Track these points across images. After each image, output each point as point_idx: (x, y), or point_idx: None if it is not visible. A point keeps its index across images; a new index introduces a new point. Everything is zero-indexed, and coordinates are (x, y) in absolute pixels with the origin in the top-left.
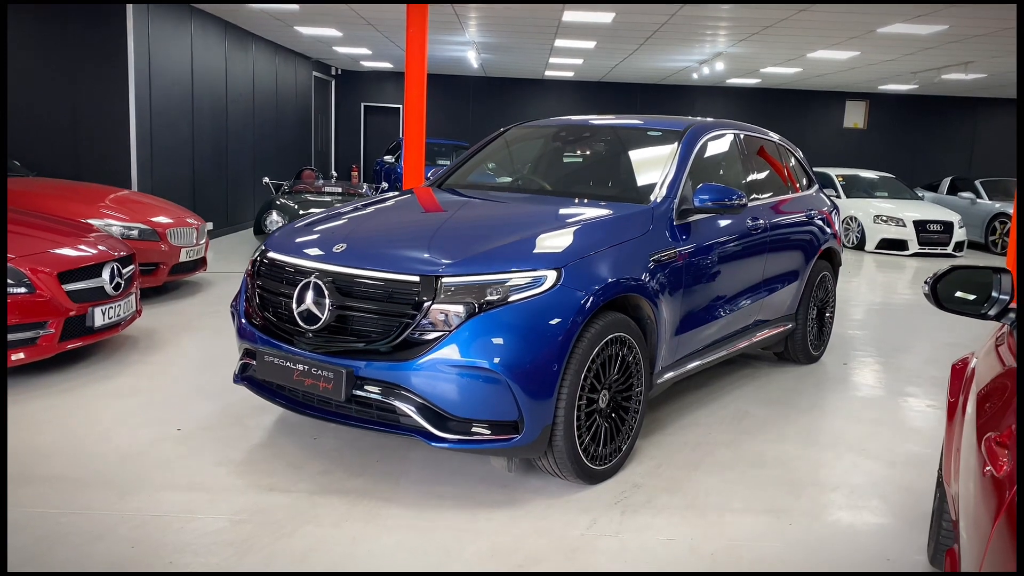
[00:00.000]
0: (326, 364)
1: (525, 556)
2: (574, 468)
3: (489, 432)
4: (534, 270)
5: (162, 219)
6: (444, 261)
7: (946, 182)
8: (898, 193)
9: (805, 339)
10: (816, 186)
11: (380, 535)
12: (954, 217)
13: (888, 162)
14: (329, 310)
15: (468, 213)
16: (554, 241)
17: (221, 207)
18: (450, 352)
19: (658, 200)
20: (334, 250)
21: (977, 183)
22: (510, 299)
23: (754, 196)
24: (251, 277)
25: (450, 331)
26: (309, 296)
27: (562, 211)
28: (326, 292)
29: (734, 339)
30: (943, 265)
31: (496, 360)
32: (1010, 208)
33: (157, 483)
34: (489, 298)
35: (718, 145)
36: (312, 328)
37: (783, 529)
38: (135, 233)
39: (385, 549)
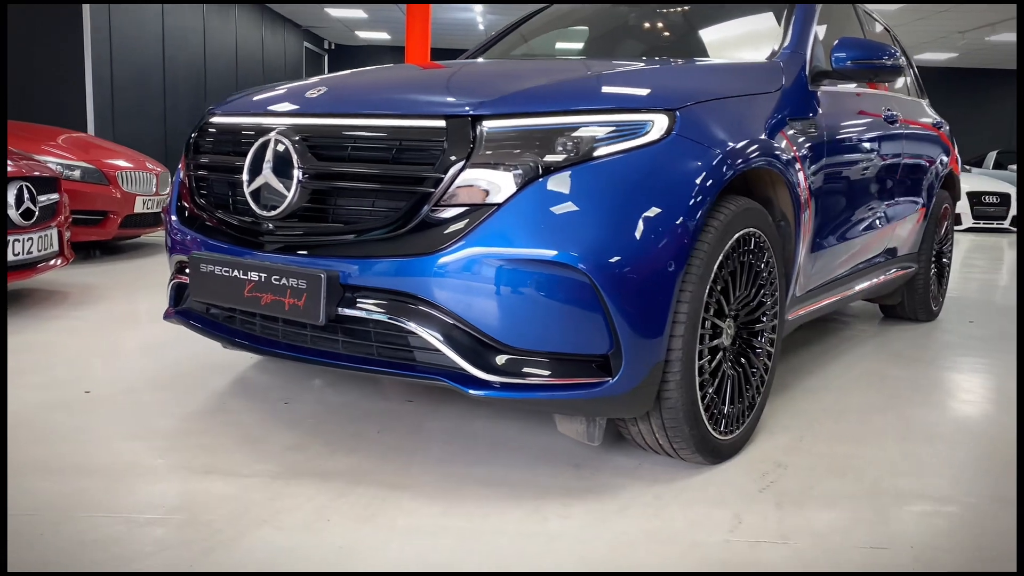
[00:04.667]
0: (294, 269)
1: None
2: (693, 436)
3: (562, 374)
4: (634, 111)
5: (116, 162)
6: (485, 97)
7: (991, 156)
8: None
9: (927, 289)
10: (928, 101)
11: (386, 543)
12: (1010, 188)
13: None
14: (298, 184)
15: (519, 65)
16: (660, 78)
17: None
18: (497, 239)
19: (785, 52)
20: (307, 96)
21: None
22: (596, 154)
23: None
24: (187, 157)
25: (497, 207)
26: (267, 164)
27: (659, 63)
28: (294, 156)
29: (864, 275)
30: (1001, 240)
31: (575, 251)
32: None
33: (32, 463)
34: (559, 153)
35: (837, 10)
36: (273, 215)
37: None
38: (76, 173)
39: (395, 565)
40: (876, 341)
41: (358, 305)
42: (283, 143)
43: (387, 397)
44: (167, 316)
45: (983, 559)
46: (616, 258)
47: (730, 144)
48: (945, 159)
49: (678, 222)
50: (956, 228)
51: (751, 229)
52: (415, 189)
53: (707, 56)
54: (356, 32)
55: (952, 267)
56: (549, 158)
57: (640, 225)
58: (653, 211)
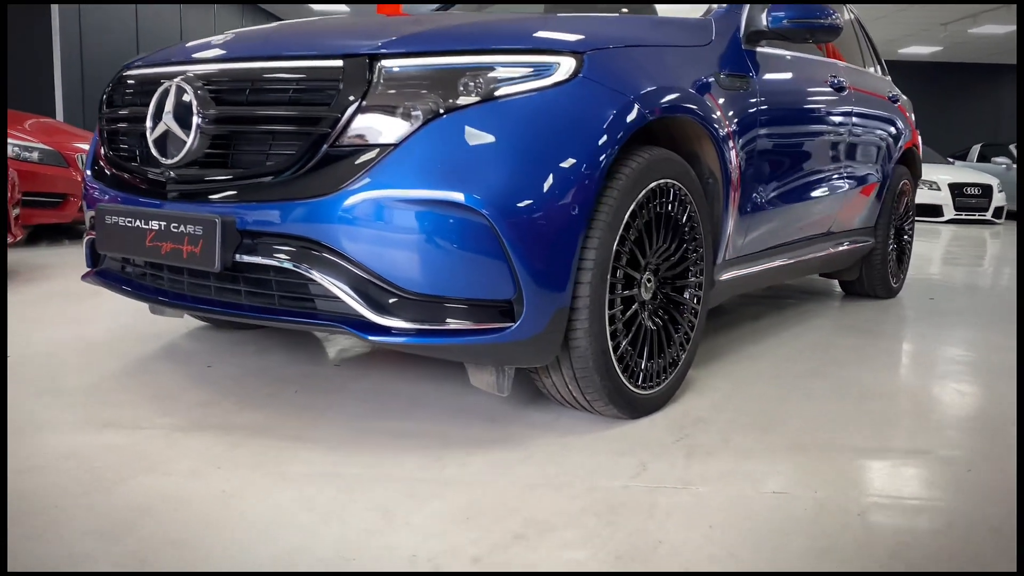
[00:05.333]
0: (191, 215)
1: (526, 520)
2: (605, 387)
3: (463, 319)
4: (539, 52)
5: (78, 145)
6: (387, 37)
7: (975, 149)
8: (928, 158)
9: (884, 264)
10: (889, 77)
11: (271, 489)
12: (992, 180)
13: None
14: (198, 129)
15: (433, 15)
16: (571, 24)
17: None
18: (393, 181)
19: (720, 9)
20: (214, 43)
21: (1012, 147)
22: (497, 94)
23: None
24: (100, 112)
25: (394, 147)
26: (167, 111)
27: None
28: (194, 102)
29: (809, 245)
30: (983, 232)
31: (473, 192)
32: None
33: None
34: (460, 94)
35: None
36: (174, 162)
37: (958, 476)
38: (34, 155)
39: (272, 510)
40: (831, 315)
41: (256, 251)
42: (184, 89)
43: (316, 362)
44: (85, 277)
45: (886, 504)
46: (517, 200)
47: (642, 90)
48: (901, 133)
49: (582, 166)
50: (937, 220)
51: (669, 181)
52: (311, 130)
53: None
54: None
55: (935, 257)
56: (449, 98)
57: (542, 168)
58: (556, 154)
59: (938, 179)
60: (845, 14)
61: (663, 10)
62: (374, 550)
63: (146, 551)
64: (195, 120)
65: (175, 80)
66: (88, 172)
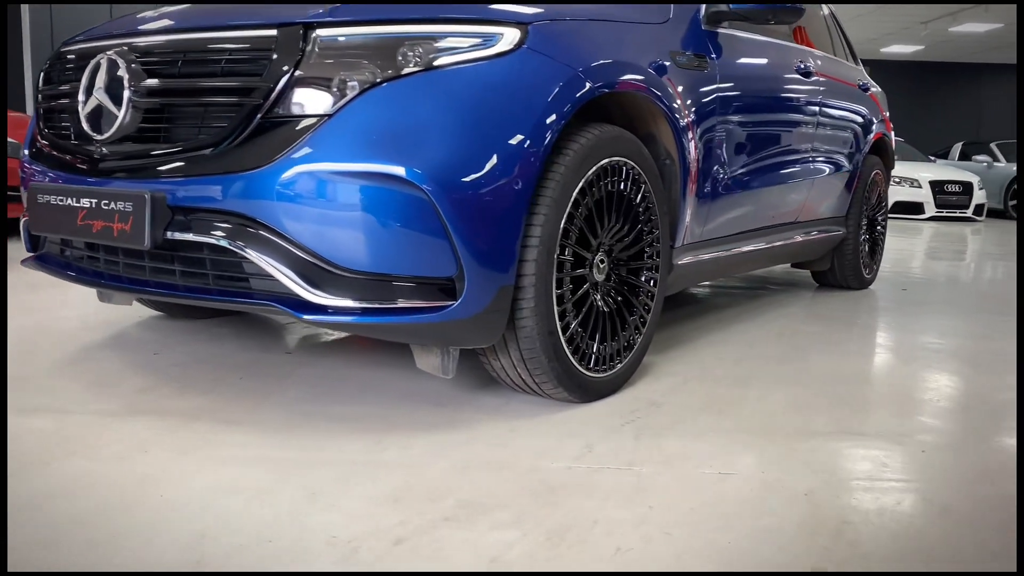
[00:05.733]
0: (122, 191)
1: (459, 501)
2: (554, 369)
3: (402, 297)
4: (481, 22)
5: None
6: (320, 7)
7: (957, 147)
8: (910, 156)
9: (856, 254)
10: (862, 67)
11: (197, 473)
12: (973, 177)
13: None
14: (129, 103)
15: None
16: None
17: None
18: (327, 153)
19: None
20: (149, 17)
21: (993, 146)
22: (436, 64)
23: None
24: (36, 91)
25: (327, 117)
26: (100, 86)
27: None
28: (125, 75)
29: (776, 233)
30: (964, 228)
31: (411, 165)
32: None
33: None
34: (398, 63)
35: None
36: (106, 138)
37: (913, 455)
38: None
39: (194, 493)
40: (801, 304)
41: (188, 228)
42: (116, 62)
43: (267, 349)
44: (24, 262)
45: (835, 484)
46: (456, 174)
47: (590, 64)
48: (872, 121)
49: (526, 140)
50: (918, 217)
51: (621, 159)
52: (243, 101)
53: None
54: None
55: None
56: (387, 68)
57: (483, 141)
58: (497, 127)
59: (919, 177)
60: (823, 8)
61: None
62: (293, 531)
63: (49, 530)
64: (126, 94)
65: (107, 53)
66: (25, 153)
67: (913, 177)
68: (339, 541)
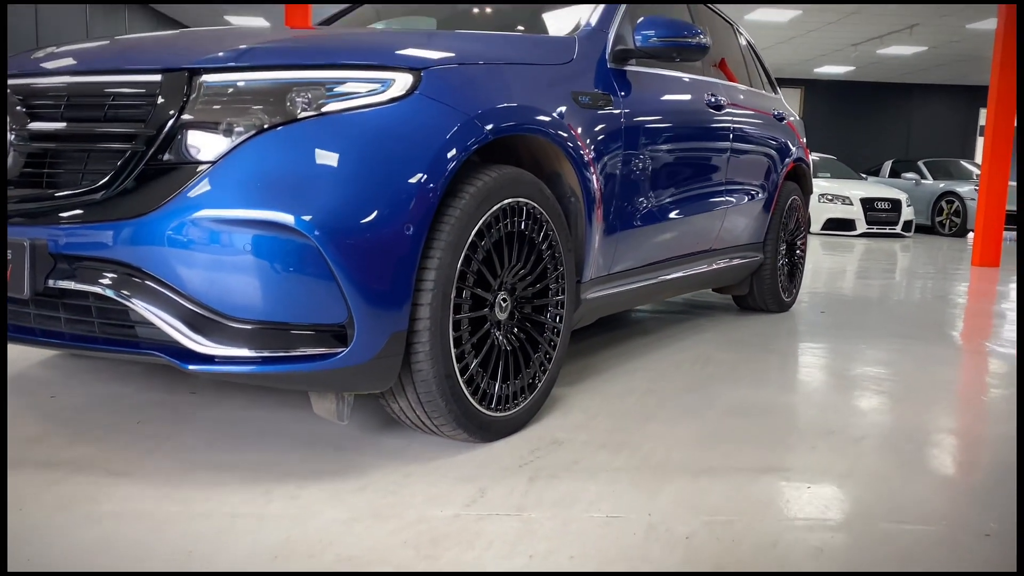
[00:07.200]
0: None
1: (337, 557)
2: (452, 411)
3: (292, 345)
4: (374, 68)
5: None
6: (209, 52)
7: (887, 165)
8: (841, 174)
9: (775, 278)
10: (780, 96)
11: (72, 528)
12: (902, 195)
13: (824, 149)
14: (12, 146)
15: (287, 29)
16: (412, 40)
17: None
18: (211, 200)
19: (587, 27)
20: (33, 57)
21: (920, 164)
22: (326, 110)
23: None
24: None
25: (211, 165)
26: None
27: (439, 31)
28: (8, 117)
29: (690, 262)
30: (894, 244)
31: (297, 213)
32: (956, 187)
33: None
34: (287, 109)
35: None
36: None
37: (797, 493)
38: None
39: (71, 553)
40: (720, 329)
41: (71, 276)
42: None
43: (171, 390)
44: None
45: (718, 524)
46: (344, 221)
47: (483, 108)
48: (789, 149)
49: (417, 185)
50: (849, 233)
51: (522, 200)
52: (126, 148)
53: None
54: None
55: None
56: (275, 114)
57: (372, 187)
58: (387, 173)
59: (851, 194)
60: (740, 39)
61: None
62: None
63: None
64: (8, 137)
65: None
66: None
67: (845, 195)
68: None
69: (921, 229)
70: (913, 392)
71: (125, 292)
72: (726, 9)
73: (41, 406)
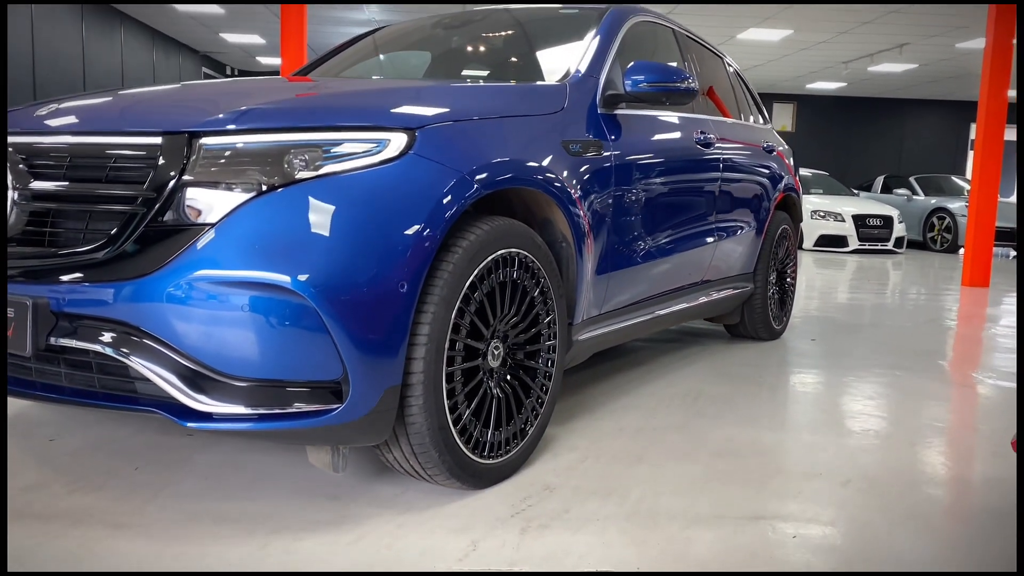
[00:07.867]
0: (8, 297)
1: None
2: (445, 461)
3: (289, 402)
4: (369, 128)
5: None
6: (208, 114)
7: (879, 181)
8: (834, 190)
9: (765, 307)
10: (770, 124)
11: None
12: (893, 212)
13: (817, 164)
14: (13, 205)
15: (272, 82)
16: (406, 97)
17: None
18: (210, 262)
19: (577, 75)
20: (36, 115)
21: (912, 180)
22: (322, 172)
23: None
24: None
25: (210, 227)
26: None
27: (432, 84)
28: (9, 176)
29: (681, 296)
30: (886, 261)
31: (294, 273)
32: (948, 203)
33: None
34: (284, 172)
35: (651, 37)
36: None
37: (783, 543)
38: None
39: None
40: (711, 359)
41: (72, 335)
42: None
43: (166, 432)
44: None
45: None
46: (339, 281)
47: (475, 164)
48: (777, 181)
49: (411, 244)
50: (842, 250)
51: (514, 250)
52: (127, 209)
53: (540, 53)
54: (257, 58)
55: (834, 291)
56: (273, 176)
57: (367, 247)
58: (382, 233)
59: (843, 211)
60: (726, 68)
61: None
62: None
63: None
64: (11, 195)
65: None
66: None
67: (837, 211)
68: None
69: (913, 244)
70: (900, 430)
71: (125, 350)
72: (717, 29)
73: (40, 451)
